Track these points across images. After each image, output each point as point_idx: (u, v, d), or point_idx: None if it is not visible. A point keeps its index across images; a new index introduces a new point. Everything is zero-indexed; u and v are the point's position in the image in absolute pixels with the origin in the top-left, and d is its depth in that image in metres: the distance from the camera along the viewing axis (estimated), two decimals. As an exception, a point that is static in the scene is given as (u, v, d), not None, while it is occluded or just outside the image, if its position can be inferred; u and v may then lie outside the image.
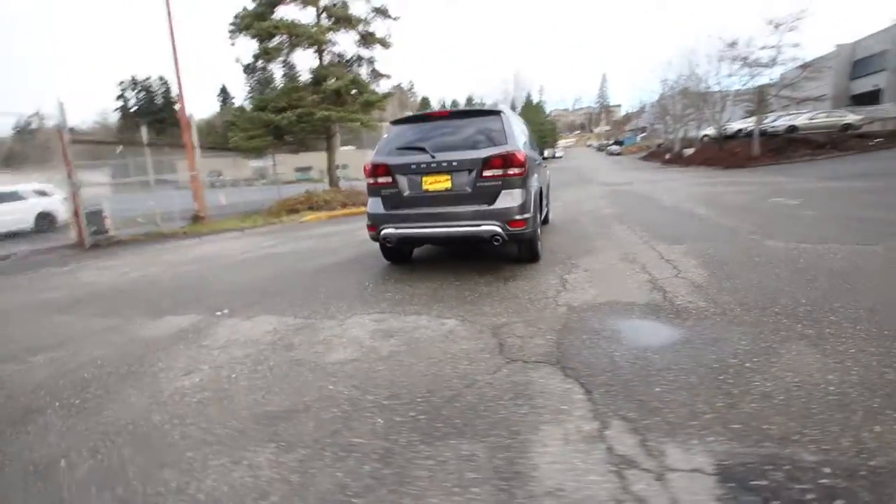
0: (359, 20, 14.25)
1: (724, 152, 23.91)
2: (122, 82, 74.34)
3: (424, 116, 4.54)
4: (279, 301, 3.89)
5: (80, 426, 2.05)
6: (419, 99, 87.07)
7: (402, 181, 4.23)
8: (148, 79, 74.83)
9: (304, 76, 15.37)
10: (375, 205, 4.39)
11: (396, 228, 4.24)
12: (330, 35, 13.76)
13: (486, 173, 4.04)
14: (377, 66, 16.08)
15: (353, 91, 13.53)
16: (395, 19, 16.05)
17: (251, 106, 15.06)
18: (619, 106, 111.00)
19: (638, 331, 2.72)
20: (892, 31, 28.60)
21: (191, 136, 11.34)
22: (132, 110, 72.56)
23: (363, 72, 16.23)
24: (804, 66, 22.14)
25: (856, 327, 2.47)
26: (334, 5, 14.51)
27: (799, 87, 21.94)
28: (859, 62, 31.81)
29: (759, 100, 22.21)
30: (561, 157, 53.59)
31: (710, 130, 28.93)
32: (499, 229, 3.97)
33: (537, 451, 1.62)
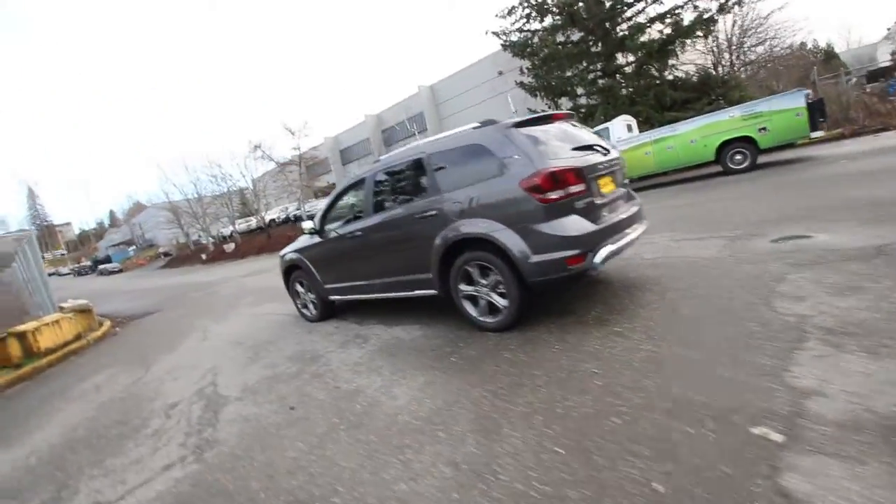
0: None
1: (276, 237, 27.28)
2: None
3: (550, 117, 3.90)
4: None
5: None
6: None
7: (593, 186, 3.55)
8: None
9: None
10: (574, 224, 3.29)
11: (614, 244, 3.41)
12: None
13: (622, 174, 4.18)
14: None
15: None
16: None
17: None
18: (68, 224, 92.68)
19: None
20: (331, 144, 42.54)
21: None
22: None
23: None
24: (309, 165, 29.46)
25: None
26: None
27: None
28: (310, 167, 44.46)
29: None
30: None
31: (247, 223, 31.81)
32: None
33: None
